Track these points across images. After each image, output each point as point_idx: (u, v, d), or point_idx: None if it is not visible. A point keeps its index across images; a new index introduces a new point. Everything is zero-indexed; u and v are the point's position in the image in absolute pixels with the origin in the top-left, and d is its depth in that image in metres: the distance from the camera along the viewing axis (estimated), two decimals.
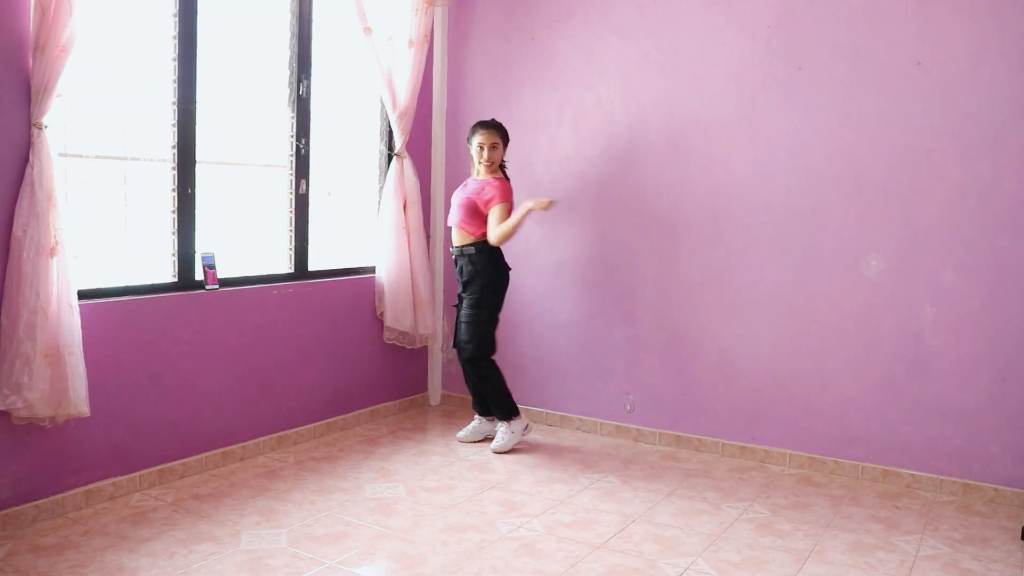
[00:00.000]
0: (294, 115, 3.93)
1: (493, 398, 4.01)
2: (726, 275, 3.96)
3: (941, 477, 3.54)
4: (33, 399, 2.78)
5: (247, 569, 2.64)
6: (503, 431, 4.01)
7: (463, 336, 3.98)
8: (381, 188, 4.46)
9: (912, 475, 3.60)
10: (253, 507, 3.17)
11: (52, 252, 2.82)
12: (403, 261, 4.34)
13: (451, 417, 4.58)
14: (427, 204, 4.70)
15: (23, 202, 2.80)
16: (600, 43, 4.22)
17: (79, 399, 2.90)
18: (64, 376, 2.85)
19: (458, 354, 4.06)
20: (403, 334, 4.44)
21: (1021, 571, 2.80)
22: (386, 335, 4.43)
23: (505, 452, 3.94)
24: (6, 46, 2.78)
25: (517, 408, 4.04)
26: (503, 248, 3.97)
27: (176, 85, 3.36)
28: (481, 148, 3.93)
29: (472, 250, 3.92)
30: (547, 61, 4.38)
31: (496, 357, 4.07)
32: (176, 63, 3.36)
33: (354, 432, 4.23)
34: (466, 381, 4.15)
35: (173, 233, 3.43)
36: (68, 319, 2.87)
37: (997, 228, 3.39)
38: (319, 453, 3.87)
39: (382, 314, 4.41)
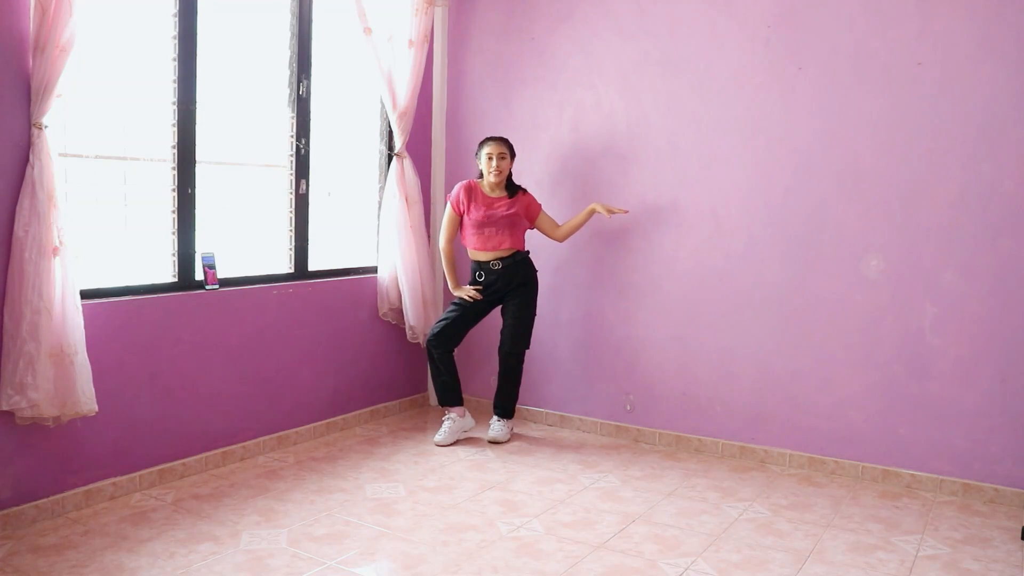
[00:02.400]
0: (294, 115, 3.93)
1: (516, 392, 4.20)
2: (726, 275, 3.96)
3: (941, 477, 3.54)
4: (37, 399, 2.78)
5: (247, 569, 2.64)
6: (504, 425, 4.18)
7: (519, 334, 4.09)
8: (382, 188, 4.47)
9: (912, 475, 3.60)
10: (253, 507, 3.17)
11: (55, 252, 2.83)
12: (411, 261, 4.35)
13: None
14: (427, 204, 4.70)
15: (24, 202, 2.80)
16: (600, 43, 4.22)
17: (87, 398, 2.91)
18: (70, 376, 2.85)
19: (508, 355, 4.11)
20: (411, 330, 4.47)
21: (1021, 571, 2.80)
22: (409, 335, 4.48)
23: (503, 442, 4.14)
24: (6, 46, 2.78)
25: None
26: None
27: (176, 85, 3.36)
28: (490, 158, 3.99)
29: (521, 257, 4.08)
30: (547, 61, 4.38)
31: (496, 357, 4.14)
32: (176, 63, 3.36)
33: (354, 432, 4.23)
34: (505, 380, 4.19)
35: (173, 233, 3.43)
36: (73, 319, 2.88)
37: (997, 228, 3.39)
38: (319, 453, 3.87)
39: (384, 314, 4.42)
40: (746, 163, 3.88)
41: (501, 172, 4.01)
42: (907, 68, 3.52)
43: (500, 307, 4.15)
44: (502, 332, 4.13)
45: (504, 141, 4.06)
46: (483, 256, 4.05)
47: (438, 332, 4.07)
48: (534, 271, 4.12)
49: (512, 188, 4.08)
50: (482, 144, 4.05)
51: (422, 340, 4.51)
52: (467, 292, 4.07)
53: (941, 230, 3.50)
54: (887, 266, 3.61)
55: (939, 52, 3.46)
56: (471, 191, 4.06)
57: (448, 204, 4.12)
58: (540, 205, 4.16)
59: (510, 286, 4.05)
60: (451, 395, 4.16)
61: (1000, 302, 3.41)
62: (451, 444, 4.04)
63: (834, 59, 3.65)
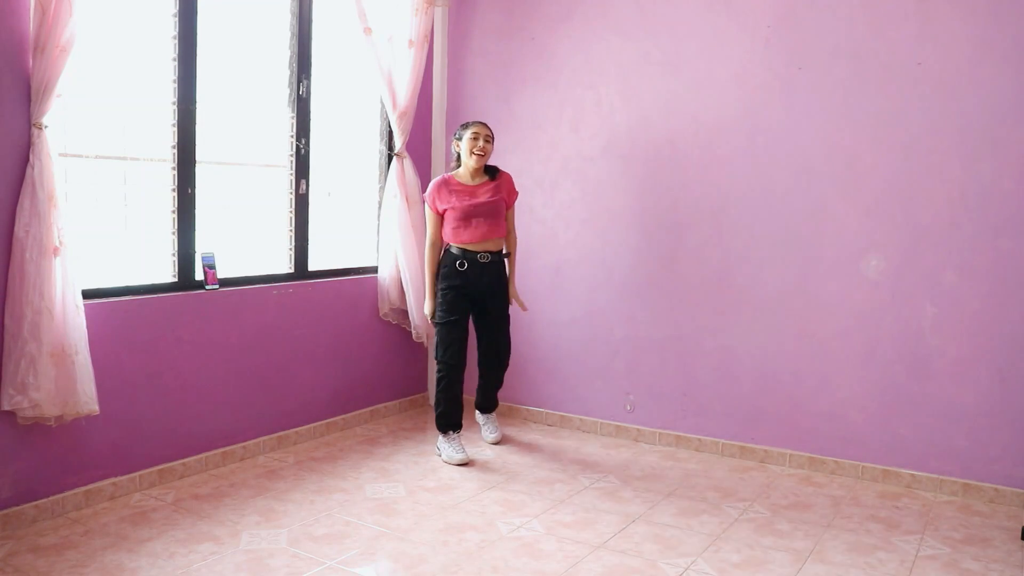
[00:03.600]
0: (294, 115, 3.93)
1: (497, 391, 4.20)
2: (726, 275, 3.96)
3: (941, 477, 3.54)
4: (39, 399, 2.79)
5: (247, 569, 2.64)
6: (490, 420, 4.20)
7: (504, 349, 3.98)
8: (382, 188, 4.47)
9: (912, 475, 3.60)
10: (253, 507, 3.17)
11: (56, 252, 2.83)
12: (413, 261, 4.35)
13: None
14: None
15: (24, 202, 2.80)
16: (600, 43, 4.22)
17: (88, 397, 2.91)
18: (71, 375, 2.86)
19: (498, 366, 4.01)
20: (416, 329, 4.46)
21: (1021, 571, 2.80)
22: (415, 335, 4.46)
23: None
24: (6, 46, 2.78)
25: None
26: None
27: (176, 85, 3.36)
28: (476, 138, 3.75)
29: (502, 256, 3.92)
30: (547, 61, 4.38)
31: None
32: (176, 63, 3.36)
33: (354, 432, 4.23)
34: (487, 389, 4.13)
35: (173, 233, 3.43)
36: (74, 318, 2.88)
37: (997, 228, 3.39)
38: (319, 453, 3.87)
39: (385, 314, 4.42)
40: (746, 163, 3.88)
41: (485, 155, 3.78)
42: (907, 68, 3.52)
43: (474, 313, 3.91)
44: (487, 347, 3.95)
45: (488, 125, 3.87)
46: (471, 247, 3.76)
47: (454, 363, 3.80)
48: (507, 277, 3.95)
49: (492, 169, 3.86)
50: (465, 126, 3.80)
51: (426, 340, 4.49)
52: (430, 310, 3.89)
53: (941, 230, 3.50)
54: (887, 266, 3.61)
55: (939, 52, 3.46)
56: (446, 185, 3.80)
57: (426, 206, 3.86)
58: (518, 194, 3.98)
59: (491, 287, 3.83)
60: (457, 421, 3.87)
61: (1000, 302, 3.41)
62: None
63: (834, 59, 3.65)
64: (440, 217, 3.84)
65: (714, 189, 3.96)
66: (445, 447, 3.82)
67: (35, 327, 2.79)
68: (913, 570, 2.79)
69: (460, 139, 3.82)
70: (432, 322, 3.91)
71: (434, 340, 3.90)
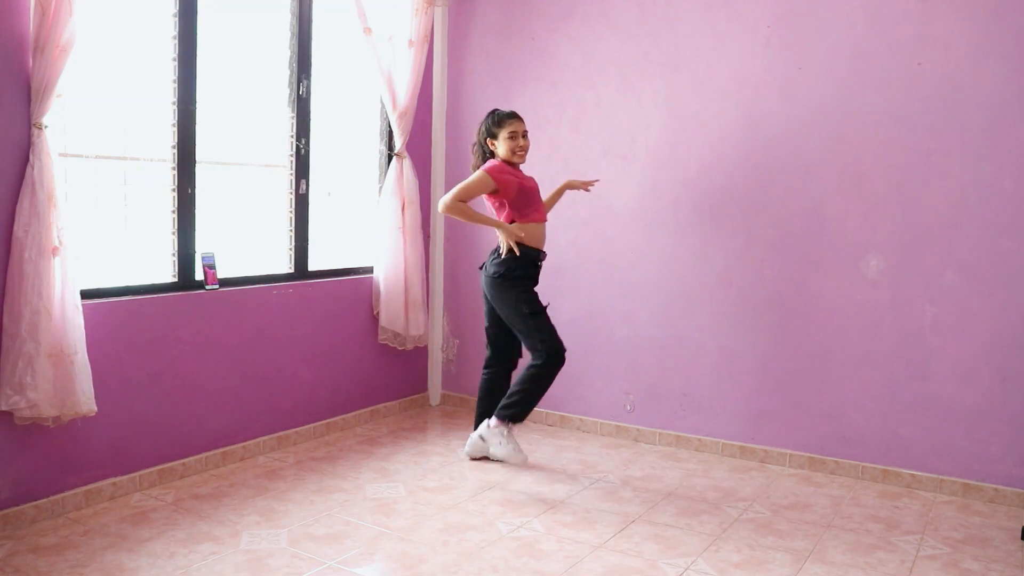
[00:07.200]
0: (294, 115, 3.93)
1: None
2: (726, 275, 3.96)
3: (941, 477, 3.54)
4: (37, 399, 2.79)
5: (247, 569, 2.64)
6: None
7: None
8: (381, 188, 4.46)
9: (912, 475, 3.60)
10: (253, 507, 3.17)
11: (55, 252, 2.83)
12: (398, 261, 4.33)
13: (451, 417, 4.58)
14: (427, 204, 4.70)
15: (24, 202, 2.80)
16: (600, 43, 4.22)
17: (86, 397, 2.91)
18: (70, 375, 2.85)
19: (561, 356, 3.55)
20: (395, 335, 4.43)
21: (1021, 571, 2.80)
22: (380, 335, 4.42)
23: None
24: (6, 46, 2.78)
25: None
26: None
27: (176, 85, 3.36)
28: (514, 136, 3.52)
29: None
30: (547, 61, 4.38)
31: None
32: (176, 63, 3.36)
33: (354, 432, 4.23)
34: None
35: (173, 233, 3.43)
36: (73, 319, 2.88)
37: (997, 228, 3.39)
38: (319, 453, 3.87)
39: (378, 314, 4.41)
40: (746, 163, 3.88)
41: (526, 150, 3.58)
42: (907, 68, 3.52)
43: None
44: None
45: (520, 117, 3.62)
46: (540, 235, 3.59)
47: (560, 342, 3.53)
48: None
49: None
50: (499, 123, 3.53)
51: (392, 341, 4.40)
52: (515, 235, 3.48)
53: (941, 230, 3.50)
54: (887, 266, 3.61)
55: (939, 52, 3.46)
56: (509, 165, 3.55)
57: (485, 173, 3.46)
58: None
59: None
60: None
61: (1000, 302, 3.41)
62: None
63: (834, 59, 3.65)
64: (495, 192, 3.49)
65: (714, 189, 3.96)
66: (507, 442, 3.51)
67: (33, 327, 2.79)
68: (913, 570, 2.79)
69: (495, 136, 3.55)
70: (524, 313, 3.52)
71: (532, 330, 3.50)
